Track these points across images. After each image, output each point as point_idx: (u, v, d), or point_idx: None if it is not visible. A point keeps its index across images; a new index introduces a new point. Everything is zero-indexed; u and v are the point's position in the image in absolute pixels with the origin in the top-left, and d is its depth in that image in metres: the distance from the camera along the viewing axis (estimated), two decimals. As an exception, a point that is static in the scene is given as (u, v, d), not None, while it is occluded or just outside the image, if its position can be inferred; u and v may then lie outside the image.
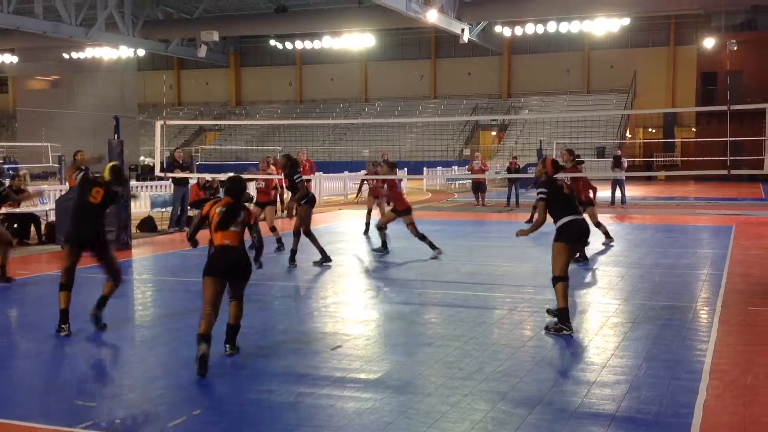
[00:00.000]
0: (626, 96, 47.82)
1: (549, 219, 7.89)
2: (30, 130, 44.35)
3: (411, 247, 14.49)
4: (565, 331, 7.48)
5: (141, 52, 46.53)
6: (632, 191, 28.14)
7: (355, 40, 46.35)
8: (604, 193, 23.79)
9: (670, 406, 5.46)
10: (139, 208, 18.78)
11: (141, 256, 13.71)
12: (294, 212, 12.29)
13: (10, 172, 24.84)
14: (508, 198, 23.75)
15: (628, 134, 48.18)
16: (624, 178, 23.81)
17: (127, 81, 47.55)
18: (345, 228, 18.16)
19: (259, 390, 5.87)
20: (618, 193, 23.29)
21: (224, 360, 6.72)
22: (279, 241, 13.93)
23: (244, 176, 8.31)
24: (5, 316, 9.06)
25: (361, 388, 5.95)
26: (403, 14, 31.98)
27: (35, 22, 36.09)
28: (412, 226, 12.96)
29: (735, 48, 37.49)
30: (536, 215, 8.09)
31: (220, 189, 18.36)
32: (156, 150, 14.73)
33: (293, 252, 11.99)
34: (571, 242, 7.76)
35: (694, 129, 46.42)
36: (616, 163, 24.00)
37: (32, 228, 15.41)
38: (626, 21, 41.56)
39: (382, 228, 13.39)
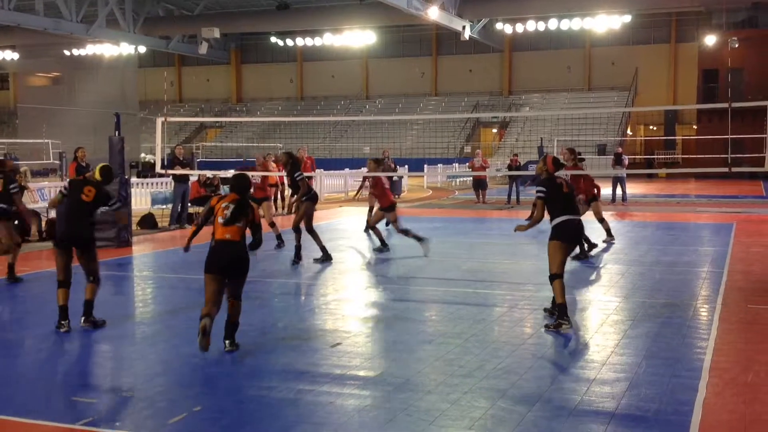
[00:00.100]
0: (627, 93, 47.79)
1: (547, 216, 7.91)
2: (31, 127, 44.35)
3: (411, 245, 14.48)
4: (564, 326, 7.48)
5: (142, 49, 46.52)
6: (633, 189, 28.13)
7: (356, 37, 46.31)
8: (605, 190, 23.78)
9: (670, 404, 5.46)
10: (140, 205, 18.80)
11: (141, 253, 13.72)
12: (295, 209, 12.32)
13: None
14: (509, 195, 23.76)
15: (629, 131, 48.16)
16: (625, 175, 23.81)
17: (128, 78, 47.54)
18: (345, 225, 18.16)
19: (259, 387, 5.87)
20: (619, 191, 23.29)
21: (224, 357, 6.73)
22: (279, 237, 13.93)
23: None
24: (6, 313, 9.07)
25: (360, 385, 5.95)
26: (404, 11, 31.95)
27: (36, 19, 36.08)
28: (395, 222, 12.96)
29: (736, 45, 37.43)
30: (533, 218, 8.12)
31: (221, 186, 18.40)
32: (157, 147, 14.75)
33: (298, 249, 11.99)
34: (566, 241, 7.79)
35: (695, 126, 46.39)
36: (617, 161, 24.00)
37: (32, 225, 15.38)
38: (627, 18, 41.52)
39: (373, 228, 13.35)
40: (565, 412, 5.31)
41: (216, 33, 40.29)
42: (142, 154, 43.94)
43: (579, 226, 8.01)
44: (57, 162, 36.75)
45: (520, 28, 42.43)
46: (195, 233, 7.32)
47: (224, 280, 6.80)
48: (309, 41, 48.86)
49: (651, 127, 50.32)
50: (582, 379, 6.07)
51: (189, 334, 7.52)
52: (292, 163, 12.06)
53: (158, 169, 14.98)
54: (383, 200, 13.17)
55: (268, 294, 9.65)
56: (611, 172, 24.18)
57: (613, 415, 5.26)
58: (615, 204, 22.60)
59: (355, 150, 45.61)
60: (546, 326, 7.66)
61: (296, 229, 12.05)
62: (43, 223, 15.37)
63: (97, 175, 7.95)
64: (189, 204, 17.63)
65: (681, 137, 46.21)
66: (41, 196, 17.82)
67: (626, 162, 25.28)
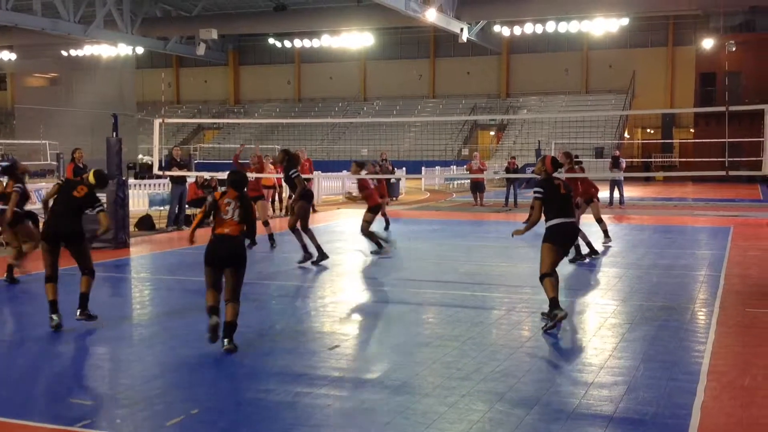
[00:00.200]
0: (625, 96, 47.84)
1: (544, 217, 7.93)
2: (28, 128, 44.33)
3: (409, 247, 14.49)
4: (558, 313, 7.48)
5: (140, 50, 46.49)
6: (630, 192, 28.14)
7: (354, 39, 46.33)
8: (602, 193, 23.80)
9: (667, 408, 5.46)
10: (137, 206, 18.77)
11: (139, 254, 13.70)
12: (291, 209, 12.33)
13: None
14: (507, 198, 23.77)
15: (626, 135, 48.21)
16: (622, 178, 23.83)
17: (125, 79, 47.52)
18: (343, 227, 18.15)
19: (256, 389, 5.87)
20: (616, 194, 23.31)
21: (222, 359, 6.72)
22: (271, 237, 13.92)
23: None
24: (3, 314, 9.05)
25: (358, 387, 5.95)
26: (402, 13, 31.97)
27: (34, 19, 36.05)
28: (367, 223, 12.96)
29: (733, 49, 37.50)
30: (529, 220, 8.12)
31: (219, 188, 18.39)
32: (154, 148, 14.73)
33: (304, 247, 11.96)
34: (557, 244, 7.81)
35: (692, 130, 46.45)
36: (615, 164, 24.01)
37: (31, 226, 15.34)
38: (625, 21, 41.58)
39: (370, 234, 13.23)
40: (563, 416, 5.31)
41: (214, 34, 40.31)
42: (140, 156, 43.92)
43: (573, 230, 8.06)
44: (54, 163, 36.74)
45: (517, 30, 42.44)
46: (199, 224, 7.45)
47: (221, 271, 7.03)
48: (307, 43, 48.87)
49: (648, 130, 50.39)
50: (580, 383, 6.07)
51: (186, 336, 7.52)
52: (288, 160, 12.05)
53: (156, 170, 14.97)
54: (370, 201, 13.21)
55: (266, 296, 9.64)
56: (608, 175, 24.20)
57: (611, 418, 5.26)
58: (612, 207, 22.61)
59: (353, 152, 45.57)
60: (544, 328, 7.65)
61: (293, 230, 12.02)
62: (41, 224, 15.32)
63: (91, 178, 8.04)
64: (186, 205, 17.62)
65: (678, 140, 46.26)
66: (38, 197, 17.76)
67: (623, 165, 25.29)
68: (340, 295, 9.93)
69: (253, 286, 9.48)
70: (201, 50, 42.99)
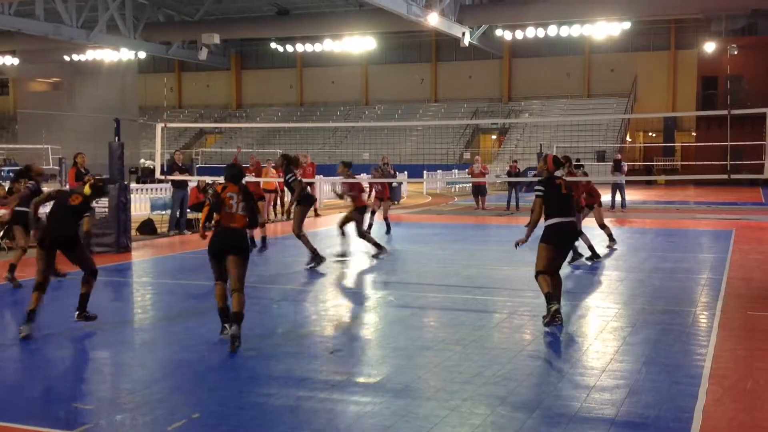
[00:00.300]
0: (626, 100, 47.84)
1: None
2: (31, 133, 44.34)
3: (411, 251, 14.50)
4: (552, 306, 7.62)
5: (142, 55, 46.55)
6: (632, 195, 28.14)
7: (356, 44, 46.37)
8: (604, 197, 23.79)
9: (669, 411, 5.45)
10: (139, 210, 18.79)
11: (141, 258, 13.71)
12: (293, 214, 12.37)
13: (11, 174, 24.82)
14: (508, 201, 23.78)
15: (628, 138, 48.19)
16: (624, 182, 23.82)
17: (128, 83, 47.57)
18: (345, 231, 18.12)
19: (258, 393, 5.87)
20: (618, 197, 23.30)
21: (224, 363, 6.73)
22: (264, 240, 13.96)
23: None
24: (4, 318, 9.05)
25: (360, 391, 5.95)
26: (404, 17, 31.99)
27: (36, 24, 36.10)
28: (344, 224, 12.98)
29: (735, 52, 37.49)
30: (531, 218, 8.20)
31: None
32: (156, 152, 14.73)
33: (313, 251, 11.99)
34: (553, 244, 7.89)
35: (694, 133, 46.43)
36: (617, 167, 24.03)
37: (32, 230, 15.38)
38: (627, 25, 41.58)
39: (364, 236, 13.22)
40: (564, 419, 5.30)
41: (216, 39, 40.33)
42: (142, 160, 43.95)
43: (571, 230, 8.08)
44: (57, 167, 36.72)
45: (519, 34, 42.47)
46: (206, 221, 7.68)
47: (224, 260, 7.30)
48: (309, 47, 48.90)
49: (650, 133, 50.37)
50: (581, 386, 6.06)
51: (188, 341, 7.53)
52: (287, 165, 12.16)
53: (158, 174, 14.98)
54: (357, 201, 13.24)
55: (268, 300, 9.64)
56: (610, 178, 24.19)
57: (613, 422, 5.26)
58: (614, 210, 22.61)
59: (355, 156, 45.53)
60: (545, 322, 7.79)
61: (299, 236, 12.07)
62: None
63: (87, 190, 8.10)
64: (188, 210, 17.62)
65: (680, 144, 46.23)
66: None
67: (625, 168, 25.31)
68: (342, 298, 9.93)
69: (255, 289, 9.48)
70: (203, 55, 43.02)
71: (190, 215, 17.77)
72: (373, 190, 17.66)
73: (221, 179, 8.06)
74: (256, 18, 44.31)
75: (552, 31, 41.56)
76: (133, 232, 15.57)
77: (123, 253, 13.82)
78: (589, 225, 13.92)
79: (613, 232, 14.58)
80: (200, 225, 7.90)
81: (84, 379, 6.59)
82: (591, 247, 12.59)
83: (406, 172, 33.93)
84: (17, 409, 5.61)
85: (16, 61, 49.09)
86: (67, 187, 16.79)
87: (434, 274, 11.82)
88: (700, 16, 41.99)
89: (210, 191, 7.68)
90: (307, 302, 10.01)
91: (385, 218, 17.09)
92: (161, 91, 48.47)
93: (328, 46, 47.23)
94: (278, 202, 20.91)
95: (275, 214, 20.57)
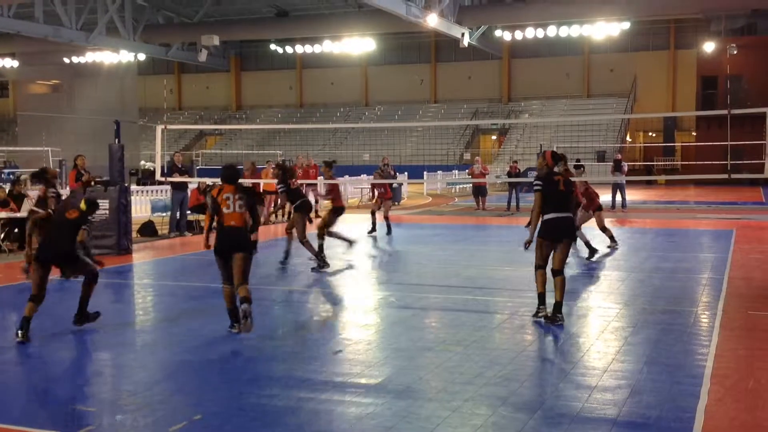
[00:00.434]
0: (626, 100, 47.84)
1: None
2: (30, 135, 44.30)
3: (411, 251, 14.51)
4: (540, 312, 8.11)
5: (142, 57, 46.53)
6: (633, 195, 28.14)
7: (356, 45, 46.38)
8: (605, 197, 23.79)
9: (671, 411, 5.45)
10: (140, 212, 18.80)
11: (142, 260, 13.71)
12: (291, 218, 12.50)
13: (11, 176, 24.84)
14: (509, 202, 23.78)
15: (628, 138, 48.20)
16: (624, 182, 23.82)
17: (127, 85, 47.55)
18: (345, 232, 18.13)
19: (259, 395, 5.86)
20: (618, 197, 23.31)
21: (225, 365, 6.73)
22: (254, 243, 14.05)
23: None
24: (5, 320, 9.05)
25: (361, 392, 5.94)
26: (403, 18, 32.00)
27: (36, 27, 36.09)
28: (329, 225, 12.86)
29: (735, 52, 37.50)
30: (532, 214, 8.36)
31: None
32: (157, 154, 14.75)
33: (317, 255, 12.03)
34: (548, 239, 8.11)
35: (694, 133, 46.43)
36: (617, 167, 24.03)
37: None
38: (626, 25, 41.59)
39: (331, 233, 12.92)
40: (566, 420, 5.30)
41: (215, 40, 40.33)
42: (142, 162, 43.98)
43: (567, 225, 8.20)
44: (57, 170, 36.68)
45: (519, 35, 42.48)
46: (210, 228, 8.00)
47: (230, 259, 7.58)
48: (308, 48, 48.92)
49: (650, 133, 50.37)
50: (583, 386, 6.06)
51: (189, 342, 7.53)
52: (282, 174, 12.41)
53: (158, 176, 14.99)
54: (336, 202, 13.27)
55: (269, 301, 9.63)
56: (611, 178, 24.20)
57: (615, 422, 5.25)
58: (614, 211, 22.61)
59: (355, 157, 45.62)
60: (546, 318, 8.03)
61: (302, 243, 12.10)
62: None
63: (83, 206, 8.14)
64: (188, 211, 17.62)
65: (680, 144, 46.22)
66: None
67: (626, 168, 25.30)
68: (343, 300, 9.93)
69: (256, 290, 9.45)
70: (203, 56, 43.02)
71: (191, 217, 17.78)
72: (376, 191, 17.77)
73: (220, 182, 8.15)
74: (255, 19, 44.33)
75: (551, 31, 41.57)
76: (134, 234, 15.58)
77: (124, 255, 13.82)
78: (588, 226, 13.92)
79: (614, 233, 14.58)
80: (204, 234, 8.14)
81: (85, 381, 6.58)
82: (587, 243, 12.65)
83: (406, 173, 33.93)
84: (19, 411, 5.61)
85: (15, 63, 49.08)
86: (68, 189, 16.80)
87: (435, 274, 11.82)
88: (699, 15, 41.99)
89: (208, 199, 7.83)
90: (308, 303, 10.02)
91: (386, 218, 17.10)
92: (161, 93, 48.47)
93: (327, 47, 47.24)
94: (278, 203, 20.89)
95: (276, 216, 20.57)
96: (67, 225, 7.97)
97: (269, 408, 5.59)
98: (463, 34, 37.36)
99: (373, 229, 17.01)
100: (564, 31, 41.46)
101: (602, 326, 8.10)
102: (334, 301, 9.88)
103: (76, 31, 37.69)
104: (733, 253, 13.42)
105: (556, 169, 8.29)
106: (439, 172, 39.33)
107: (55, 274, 8.21)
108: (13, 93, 60.21)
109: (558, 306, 8.05)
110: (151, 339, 7.97)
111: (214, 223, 7.86)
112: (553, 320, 8.02)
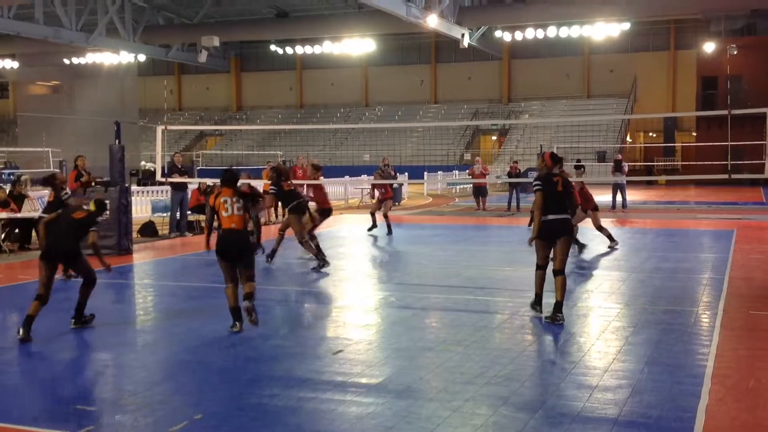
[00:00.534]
0: (626, 100, 47.85)
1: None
2: (31, 136, 44.33)
3: (412, 252, 14.50)
4: (536, 311, 8.45)
5: (142, 58, 46.55)
6: (633, 195, 28.14)
7: (356, 45, 46.39)
8: (605, 197, 23.81)
9: (672, 411, 5.45)
10: (140, 213, 18.80)
11: (142, 261, 13.71)
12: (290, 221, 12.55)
13: (11, 177, 24.84)
14: (509, 202, 23.78)
15: (628, 138, 48.20)
16: (625, 182, 23.82)
17: (127, 86, 47.57)
18: (346, 233, 18.16)
19: (260, 395, 5.86)
20: (619, 198, 23.30)
21: (225, 365, 6.73)
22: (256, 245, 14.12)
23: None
24: (7, 320, 9.05)
25: (362, 392, 5.94)
26: (403, 19, 32.00)
27: (36, 28, 36.10)
28: (313, 227, 12.85)
29: (735, 52, 37.49)
30: (533, 214, 8.47)
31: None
32: (157, 155, 14.75)
33: (317, 254, 12.05)
34: (545, 239, 8.24)
35: (694, 133, 46.43)
36: (617, 168, 24.03)
37: (33, 233, 15.39)
38: (626, 26, 41.59)
39: (311, 236, 12.60)
40: (567, 419, 5.29)
41: (215, 41, 40.34)
42: (142, 162, 43.96)
43: (564, 226, 8.27)
44: (57, 170, 36.71)
45: (519, 35, 42.50)
46: (209, 234, 8.17)
47: (234, 262, 7.80)
48: (308, 49, 48.94)
49: (650, 134, 50.38)
50: (584, 386, 6.05)
51: (189, 342, 7.53)
52: (276, 177, 12.43)
53: (158, 177, 14.99)
54: (324, 203, 13.39)
55: (270, 301, 9.63)
56: (611, 179, 24.20)
57: (615, 421, 5.25)
58: (615, 211, 22.61)
59: (356, 157, 45.63)
60: (547, 318, 8.15)
61: (301, 243, 12.11)
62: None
63: (92, 206, 8.22)
64: (189, 212, 17.63)
65: (680, 144, 46.22)
66: (41, 204, 17.78)
67: (626, 169, 25.31)
68: (343, 299, 9.93)
69: (257, 291, 9.47)
70: (203, 57, 43.01)
71: (191, 217, 17.78)
72: (377, 192, 17.84)
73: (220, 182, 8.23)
74: (255, 20, 44.34)
75: (551, 32, 41.57)
76: (135, 235, 15.58)
77: (124, 255, 13.82)
78: (583, 225, 13.93)
79: (615, 233, 14.59)
80: (205, 237, 8.33)
81: (86, 381, 6.58)
82: (575, 240, 12.72)
83: (406, 174, 33.94)
84: (20, 411, 5.61)
85: (15, 64, 49.11)
86: (68, 189, 16.79)
87: (435, 274, 11.81)
88: (699, 16, 42.00)
89: (207, 207, 8.07)
90: (308, 303, 10.02)
91: (385, 216, 17.09)
92: (161, 94, 48.48)
93: (327, 48, 47.26)
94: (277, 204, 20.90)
95: (276, 216, 20.59)
96: (74, 225, 8.03)
97: (270, 408, 5.58)
98: (463, 35, 37.36)
99: (374, 226, 17.05)
100: (564, 32, 41.46)
101: (603, 326, 8.10)
102: (335, 301, 9.88)
103: (76, 32, 37.70)
104: (734, 253, 13.41)
105: (555, 171, 8.34)
106: (439, 172, 39.34)
107: (57, 275, 8.26)
108: (14, 94, 60.23)
109: (558, 305, 8.09)
110: (151, 339, 7.97)
111: (215, 225, 8.14)
112: (553, 319, 8.05)
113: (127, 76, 47.45)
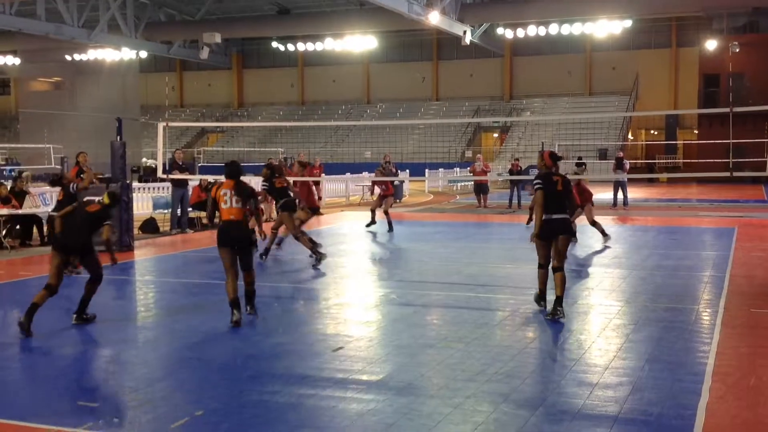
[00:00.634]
0: (628, 98, 47.80)
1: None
2: (32, 132, 44.33)
3: (413, 249, 14.50)
4: (540, 305, 8.52)
5: (143, 54, 46.56)
6: (634, 193, 28.13)
7: (357, 42, 46.35)
8: (606, 194, 23.80)
9: (672, 408, 5.45)
10: (142, 209, 18.81)
11: (143, 257, 13.72)
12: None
13: (13, 173, 24.87)
14: (510, 200, 23.78)
15: (630, 136, 48.16)
16: (626, 179, 23.80)
17: (129, 83, 47.57)
18: (347, 230, 18.16)
19: (261, 391, 5.87)
20: (620, 195, 23.29)
21: (226, 361, 6.74)
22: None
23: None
24: (9, 316, 9.06)
25: (363, 389, 5.94)
26: (405, 16, 31.99)
27: (38, 24, 36.11)
28: (301, 224, 12.85)
29: (737, 50, 37.43)
30: (534, 212, 8.48)
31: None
32: (158, 151, 14.75)
33: (313, 249, 12.11)
34: (544, 239, 8.29)
35: (696, 131, 46.39)
36: (618, 165, 24.00)
37: (34, 229, 15.41)
38: (628, 23, 41.54)
39: (301, 234, 12.54)
40: (567, 417, 5.30)
41: (217, 38, 40.35)
42: (144, 159, 44.00)
43: (563, 225, 8.32)
44: (59, 167, 36.71)
45: (520, 32, 42.44)
46: (210, 221, 8.57)
47: (235, 251, 8.00)
48: (310, 46, 48.89)
49: (652, 131, 50.33)
50: (585, 384, 6.06)
51: (191, 338, 7.54)
52: (270, 174, 12.60)
53: (160, 173, 15.00)
54: (312, 202, 13.61)
55: (270, 298, 9.64)
56: (612, 176, 24.19)
57: (616, 419, 5.25)
58: (616, 208, 22.60)
59: (357, 154, 45.60)
60: (547, 315, 8.20)
61: (296, 238, 12.16)
62: (45, 228, 15.38)
63: (106, 199, 8.36)
64: (190, 208, 17.63)
65: (682, 142, 46.18)
66: (43, 201, 17.81)
67: (627, 166, 25.27)
68: (344, 296, 9.93)
69: (257, 288, 9.48)
70: (204, 54, 43.03)
71: (192, 214, 17.78)
72: (378, 189, 17.86)
73: (223, 177, 8.25)
74: (257, 17, 44.31)
75: (553, 29, 41.51)
76: (136, 231, 15.59)
77: (126, 251, 13.82)
78: (579, 223, 13.93)
79: (616, 230, 14.60)
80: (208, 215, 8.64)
81: (87, 377, 6.59)
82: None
83: (408, 171, 33.93)
84: (22, 407, 5.62)
85: (17, 60, 49.11)
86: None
87: (436, 272, 11.82)
88: (701, 13, 41.91)
89: (209, 199, 8.15)
90: (308, 300, 10.02)
91: (386, 213, 17.09)
92: (163, 91, 48.43)
93: (329, 45, 47.22)
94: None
95: (276, 213, 20.60)
96: (88, 218, 8.13)
97: (270, 404, 5.59)
98: (465, 32, 37.34)
99: (372, 222, 17.07)
100: (566, 29, 41.39)
101: (604, 323, 8.10)
102: (335, 297, 9.88)
103: (78, 28, 37.72)
104: (735, 251, 13.41)
105: (554, 170, 8.37)
106: (440, 169, 39.32)
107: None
108: (15, 90, 60.22)
109: (558, 300, 8.13)
110: (152, 335, 7.98)
111: (216, 219, 8.33)
112: (553, 314, 8.09)
113: (128, 73, 47.46)
